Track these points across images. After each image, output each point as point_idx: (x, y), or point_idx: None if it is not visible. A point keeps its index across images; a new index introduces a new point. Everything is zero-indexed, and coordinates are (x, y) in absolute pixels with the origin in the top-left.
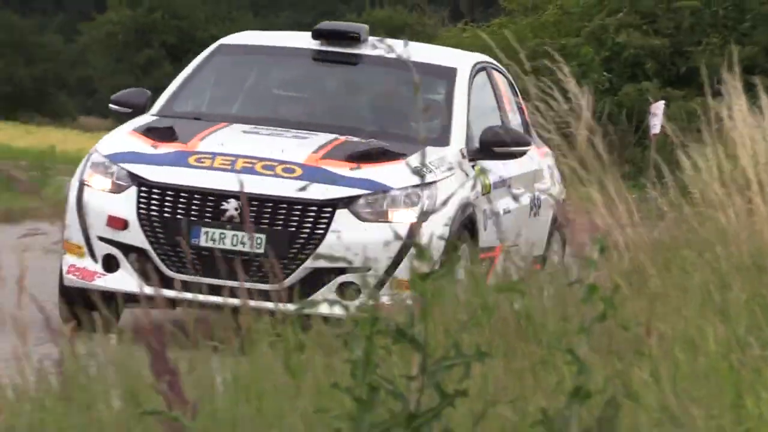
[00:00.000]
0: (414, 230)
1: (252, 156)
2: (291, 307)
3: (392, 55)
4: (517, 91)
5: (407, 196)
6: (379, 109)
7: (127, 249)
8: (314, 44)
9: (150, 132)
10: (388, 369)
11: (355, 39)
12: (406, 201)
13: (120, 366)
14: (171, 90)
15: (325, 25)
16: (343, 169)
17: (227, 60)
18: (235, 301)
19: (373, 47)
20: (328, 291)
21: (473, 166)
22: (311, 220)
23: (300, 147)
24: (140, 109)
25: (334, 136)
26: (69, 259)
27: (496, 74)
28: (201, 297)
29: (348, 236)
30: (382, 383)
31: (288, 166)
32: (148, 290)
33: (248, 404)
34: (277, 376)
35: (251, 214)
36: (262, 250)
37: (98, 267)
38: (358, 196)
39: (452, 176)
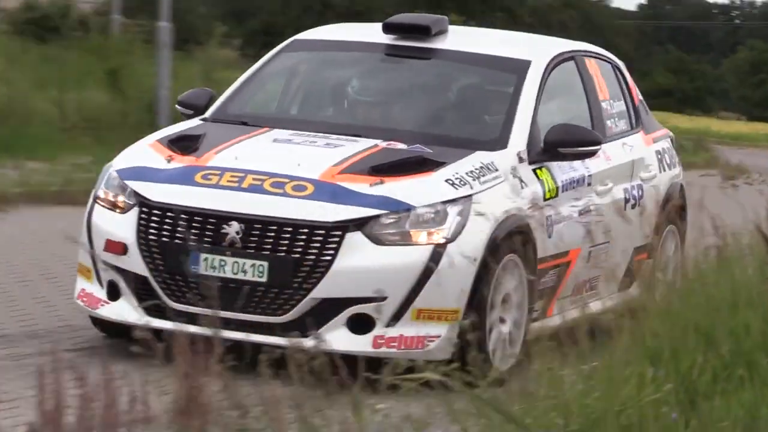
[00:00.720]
0: (437, 253)
1: (263, 172)
2: (305, 342)
3: (463, 49)
4: (625, 75)
5: (435, 214)
6: (438, 109)
7: (128, 275)
8: (385, 38)
9: (174, 143)
10: None
11: (426, 32)
12: (434, 219)
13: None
14: (230, 90)
15: (396, 17)
16: (362, 185)
17: (292, 57)
18: (236, 336)
19: (449, 40)
20: (337, 324)
21: (537, 170)
22: (318, 244)
23: (322, 159)
24: (201, 111)
25: (373, 143)
26: (80, 282)
27: (591, 62)
28: (202, 330)
29: (360, 262)
30: None
31: (299, 183)
32: (148, 322)
33: None
34: None
35: (253, 239)
36: (264, 279)
37: (103, 293)
38: (375, 217)
39: (497, 185)
